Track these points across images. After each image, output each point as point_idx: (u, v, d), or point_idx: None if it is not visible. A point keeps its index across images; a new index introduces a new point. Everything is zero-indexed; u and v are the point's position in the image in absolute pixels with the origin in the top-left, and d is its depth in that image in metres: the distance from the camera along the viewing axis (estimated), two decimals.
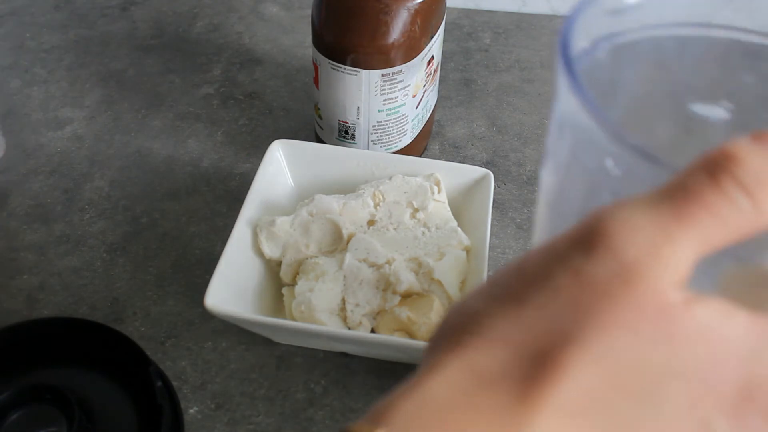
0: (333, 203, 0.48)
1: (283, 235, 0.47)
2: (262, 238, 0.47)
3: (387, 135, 0.56)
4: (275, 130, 0.63)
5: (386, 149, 0.57)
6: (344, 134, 0.56)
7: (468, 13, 0.77)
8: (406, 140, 0.57)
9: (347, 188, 0.51)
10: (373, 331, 0.45)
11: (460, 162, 0.58)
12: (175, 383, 0.43)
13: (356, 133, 0.55)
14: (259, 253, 0.48)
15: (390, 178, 0.51)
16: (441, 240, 0.48)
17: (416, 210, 0.50)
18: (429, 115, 0.59)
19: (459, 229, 0.49)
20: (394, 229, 0.49)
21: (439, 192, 0.50)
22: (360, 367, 0.46)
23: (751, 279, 0.23)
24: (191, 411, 0.44)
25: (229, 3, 0.78)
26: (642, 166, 0.23)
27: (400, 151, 0.57)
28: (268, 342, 0.47)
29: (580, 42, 0.26)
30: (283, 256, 0.48)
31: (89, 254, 0.53)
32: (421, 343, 0.42)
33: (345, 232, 0.48)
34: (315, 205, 0.48)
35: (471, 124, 0.64)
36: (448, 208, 0.51)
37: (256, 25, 0.75)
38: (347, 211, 0.48)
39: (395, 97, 0.53)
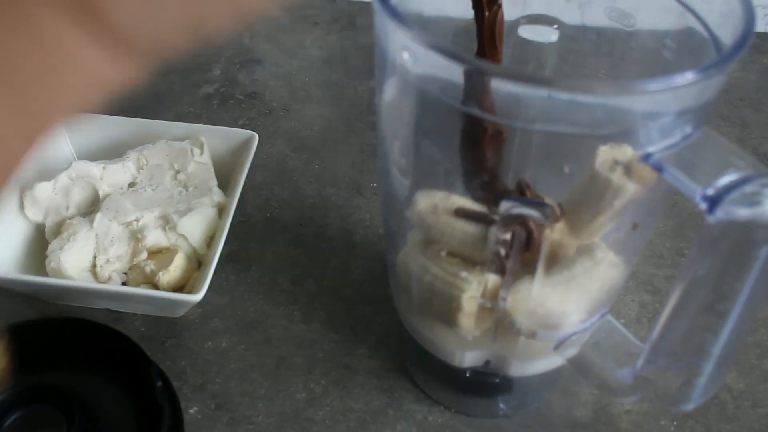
0: (92, 168, 0.52)
1: (45, 199, 0.50)
2: (26, 203, 0.50)
3: None
4: (275, 130, 0.63)
5: None
6: None
7: None
8: None
9: (123, 154, 0.54)
10: (124, 285, 0.48)
11: None
12: (175, 383, 0.43)
13: None
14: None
15: (154, 143, 0.53)
16: (194, 198, 0.51)
17: (177, 171, 0.53)
18: None
19: (215, 187, 0.52)
20: (153, 189, 0.51)
21: (201, 153, 0.53)
22: (360, 367, 0.46)
23: None
24: (191, 411, 0.44)
25: None
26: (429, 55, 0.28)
27: None
28: (268, 342, 0.47)
29: None
30: (46, 218, 0.50)
31: None
32: (162, 294, 0.45)
33: (101, 194, 0.51)
34: (74, 169, 0.51)
35: None
36: (211, 169, 0.53)
37: (257, 25, 0.75)
38: (107, 175, 0.52)
39: None
